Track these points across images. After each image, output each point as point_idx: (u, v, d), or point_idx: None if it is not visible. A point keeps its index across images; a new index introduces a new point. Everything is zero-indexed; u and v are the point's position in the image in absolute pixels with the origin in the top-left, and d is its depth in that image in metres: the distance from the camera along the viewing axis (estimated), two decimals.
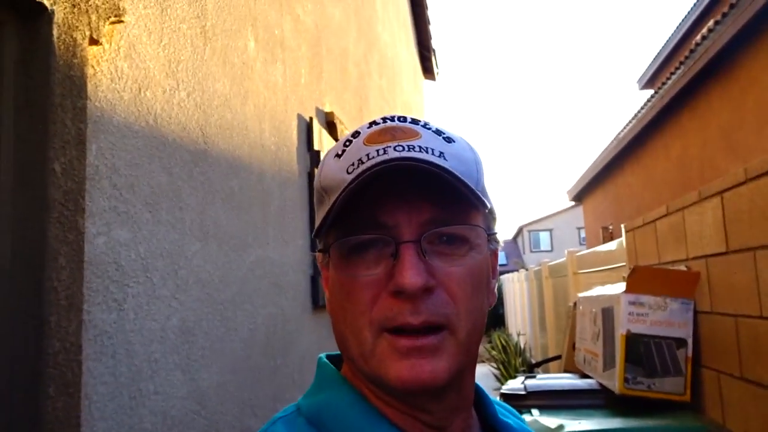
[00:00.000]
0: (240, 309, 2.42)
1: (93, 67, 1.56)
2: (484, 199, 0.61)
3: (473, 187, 0.60)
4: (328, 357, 0.71)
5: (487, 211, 0.65)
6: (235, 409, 2.29)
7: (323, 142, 3.87)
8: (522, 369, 9.68)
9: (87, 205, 1.47)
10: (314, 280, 3.50)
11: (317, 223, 0.64)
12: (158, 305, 1.79)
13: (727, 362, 2.17)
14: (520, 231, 40.33)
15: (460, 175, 0.59)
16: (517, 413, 0.80)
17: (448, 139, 0.63)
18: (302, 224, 3.40)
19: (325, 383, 0.66)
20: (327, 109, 4.22)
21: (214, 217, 2.24)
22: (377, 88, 6.64)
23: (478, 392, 0.71)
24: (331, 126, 4.21)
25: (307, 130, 3.66)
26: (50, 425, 1.22)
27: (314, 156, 3.67)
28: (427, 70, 12.11)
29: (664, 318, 2.46)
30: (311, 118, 3.71)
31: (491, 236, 0.66)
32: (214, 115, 2.31)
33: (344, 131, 4.51)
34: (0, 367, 1.20)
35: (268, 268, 2.78)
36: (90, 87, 1.53)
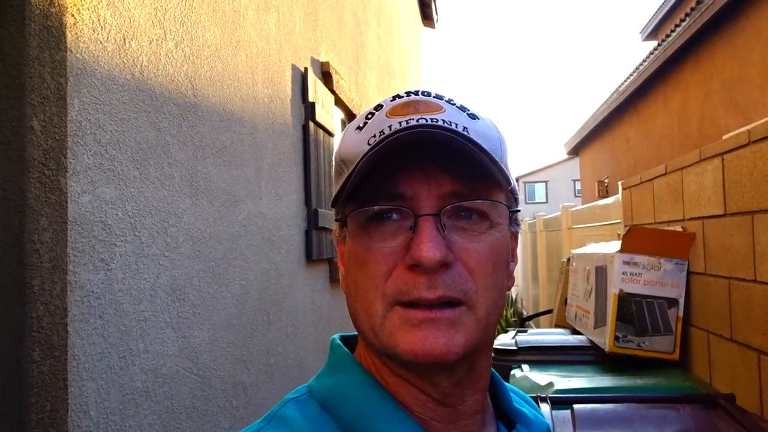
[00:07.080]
0: (232, 266, 2.40)
1: (73, 16, 1.48)
2: (508, 174, 0.60)
3: (498, 162, 0.58)
4: (342, 338, 0.70)
5: (509, 190, 0.63)
6: (228, 365, 2.31)
7: (318, 93, 3.78)
8: (513, 320, 9.83)
9: (70, 163, 1.42)
10: (308, 234, 3.48)
11: (334, 193, 0.64)
12: (147, 264, 1.77)
13: (718, 323, 2.18)
14: (515, 182, 40.33)
15: (486, 147, 0.57)
16: (532, 402, 0.79)
17: (473, 116, 0.62)
18: (296, 178, 3.35)
19: (337, 366, 0.66)
20: (323, 59, 4.11)
21: (204, 172, 2.19)
22: (375, 36, 6.46)
23: (495, 380, 0.71)
24: (326, 76, 4.11)
25: (301, 81, 3.57)
26: (36, 389, 1.20)
27: (309, 108, 3.59)
28: (427, 17, 11.79)
29: (657, 278, 2.46)
30: (306, 69, 3.61)
31: (513, 216, 0.64)
32: (204, 67, 2.23)
33: (340, 81, 4.40)
34: None
35: (260, 224, 2.75)
36: (70, 38, 1.46)
